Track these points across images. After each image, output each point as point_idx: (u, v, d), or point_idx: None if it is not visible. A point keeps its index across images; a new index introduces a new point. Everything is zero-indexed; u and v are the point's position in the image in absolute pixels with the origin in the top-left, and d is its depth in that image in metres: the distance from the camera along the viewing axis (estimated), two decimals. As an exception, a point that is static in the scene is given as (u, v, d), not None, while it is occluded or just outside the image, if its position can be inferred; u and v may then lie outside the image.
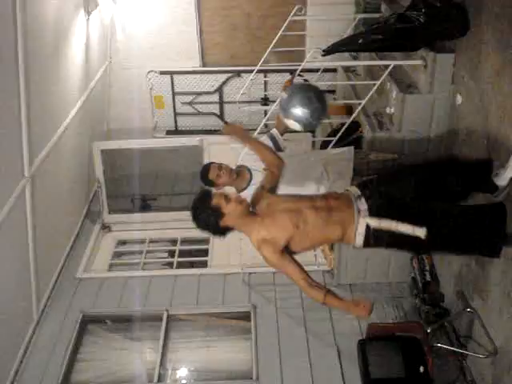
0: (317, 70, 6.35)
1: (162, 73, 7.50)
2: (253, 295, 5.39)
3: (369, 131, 4.89)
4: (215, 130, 7.61)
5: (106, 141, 6.96)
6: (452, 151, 4.67)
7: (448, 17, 4.25)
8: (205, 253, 6.27)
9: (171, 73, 7.51)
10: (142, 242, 6.57)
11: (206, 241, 6.41)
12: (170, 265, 6.27)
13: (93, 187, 6.79)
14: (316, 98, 3.82)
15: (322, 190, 4.27)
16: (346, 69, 6.28)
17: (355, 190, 3.47)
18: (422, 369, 3.93)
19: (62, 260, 5.84)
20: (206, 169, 4.33)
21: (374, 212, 3.34)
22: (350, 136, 5.05)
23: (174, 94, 7.64)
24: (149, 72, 7.47)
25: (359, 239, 3.36)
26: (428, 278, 4.94)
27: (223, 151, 5.63)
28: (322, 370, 4.64)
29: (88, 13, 6.26)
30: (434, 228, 3.30)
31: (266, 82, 7.22)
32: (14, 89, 4.52)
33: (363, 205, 3.37)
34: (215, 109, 7.75)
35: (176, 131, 7.82)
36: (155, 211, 6.93)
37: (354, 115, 4.93)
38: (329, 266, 5.48)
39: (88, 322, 5.29)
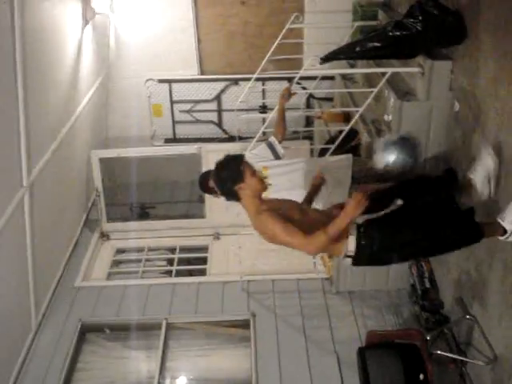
0: (315, 78, 6.37)
1: (161, 81, 7.52)
2: (252, 303, 5.38)
3: (367, 139, 4.90)
4: (213, 138, 7.63)
5: (105, 149, 6.96)
6: (450, 159, 4.68)
7: (445, 24, 4.26)
8: (203, 261, 6.27)
9: (169, 81, 7.53)
10: (141, 250, 6.56)
11: (204, 249, 6.41)
12: (169, 273, 6.26)
13: (91, 196, 6.79)
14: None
15: (320, 198, 4.27)
16: (344, 76, 6.29)
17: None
18: (421, 376, 3.92)
19: (60, 269, 5.83)
20: (205, 177, 4.32)
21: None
22: (348, 143, 5.06)
23: (172, 102, 7.65)
24: (147, 80, 7.49)
25: (350, 246, 3.37)
26: (427, 284, 4.94)
27: (222, 159, 5.64)
28: (322, 378, 4.63)
29: (86, 21, 6.27)
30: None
31: (264, 90, 7.24)
32: (13, 98, 4.53)
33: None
34: (213, 117, 7.77)
35: (174, 139, 7.83)
36: (154, 219, 6.94)
37: (351, 123, 4.94)
38: (328, 274, 5.48)
39: (87, 331, 5.28)
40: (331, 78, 6.87)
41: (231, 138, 7.47)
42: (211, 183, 4.26)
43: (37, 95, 4.96)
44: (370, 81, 5.46)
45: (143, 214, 7.03)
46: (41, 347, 5.03)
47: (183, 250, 6.57)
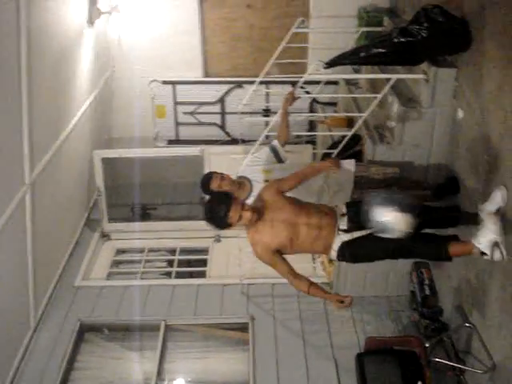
0: (318, 82, 6.37)
1: (165, 82, 7.52)
2: (251, 306, 5.38)
3: (370, 144, 4.90)
4: (216, 141, 7.63)
5: (107, 149, 6.96)
6: (453, 166, 4.68)
7: (450, 32, 4.27)
8: (203, 263, 6.26)
9: (173, 82, 7.53)
10: (141, 251, 6.56)
11: (204, 251, 6.41)
12: (169, 274, 6.25)
13: (93, 195, 6.79)
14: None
15: (322, 202, 4.28)
16: (348, 81, 6.29)
17: (342, 209, 3.75)
18: (419, 383, 3.92)
19: (60, 268, 5.83)
20: (208, 178, 4.31)
21: (349, 231, 3.65)
22: (351, 149, 5.06)
23: (175, 103, 7.65)
24: (151, 81, 7.49)
25: (333, 254, 3.72)
26: (427, 291, 4.94)
27: (224, 161, 5.65)
28: (320, 383, 4.62)
29: (91, 22, 6.29)
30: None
31: (267, 94, 7.24)
32: (17, 96, 4.53)
33: (344, 224, 3.67)
34: (217, 119, 7.76)
35: (177, 141, 7.83)
36: (155, 220, 6.93)
37: (355, 128, 4.94)
38: (328, 279, 5.47)
39: (85, 331, 5.28)
40: (335, 82, 6.86)
41: (234, 141, 7.46)
42: (212, 185, 4.27)
43: (41, 94, 4.97)
44: (374, 86, 5.46)
45: (144, 214, 7.02)
46: (39, 346, 5.03)
47: (183, 251, 6.56)
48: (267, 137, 5.09)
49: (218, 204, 3.47)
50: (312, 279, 4.98)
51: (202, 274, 6.10)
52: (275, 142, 4.58)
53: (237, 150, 6.14)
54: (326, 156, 5.17)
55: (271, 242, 3.58)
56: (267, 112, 7.37)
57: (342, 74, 5.96)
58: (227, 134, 7.78)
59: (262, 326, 5.16)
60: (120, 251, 6.63)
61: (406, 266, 5.12)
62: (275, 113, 5.42)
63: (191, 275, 6.22)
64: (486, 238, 3.51)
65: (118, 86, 7.47)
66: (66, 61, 5.72)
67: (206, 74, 7.53)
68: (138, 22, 7.13)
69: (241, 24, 7.25)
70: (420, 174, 4.86)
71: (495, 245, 3.47)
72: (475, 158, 4.25)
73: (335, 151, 4.97)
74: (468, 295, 4.43)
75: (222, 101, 7.61)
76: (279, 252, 3.64)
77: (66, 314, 5.34)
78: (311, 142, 6.97)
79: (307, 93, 6.82)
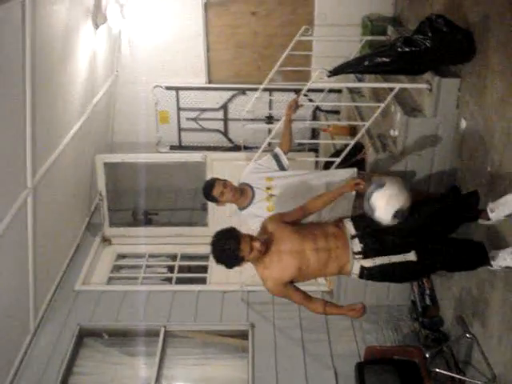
0: (322, 90, 6.37)
1: (168, 88, 7.54)
2: (251, 314, 5.37)
3: (372, 153, 4.90)
4: (219, 147, 7.64)
5: (110, 154, 6.97)
6: (455, 176, 4.68)
7: (454, 42, 4.27)
8: (204, 269, 6.25)
9: (177, 88, 7.54)
10: (142, 256, 6.55)
11: (205, 257, 6.39)
12: (169, 280, 6.24)
13: (95, 200, 6.79)
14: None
15: (324, 211, 4.26)
16: (351, 90, 6.30)
17: (350, 230, 3.65)
18: (419, 394, 3.91)
19: (60, 272, 5.83)
20: (210, 185, 4.30)
21: (368, 256, 3.57)
22: (353, 157, 5.06)
23: (178, 109, 7.67)
24: (155, 87, 7.50)
25: (354, 277, 3.67)
26: (428, 301, 4.92)
27: (226, 168, 5.66)
28: (319, 392, 4.62)
29: (96, 26, 6.30)
30: (424, 252, 3.59)
31: (270, 101, 7.25)
32: (20, 100, 4.54)
33: (357, 246, 3.59)
34: (219, 125, 7.78)
35: (180, 147, 7.84)
36: (156, 226, 6.93)
37: (358, 137, 4.94)
38: (329, 287, 5.47)
39: (85, 335, 5.27)
40: (338, 91, 6.88)
41: (237, 148, 7.47)
42: (215, 192, 4.26)
43: (44, 98, 4.98)
44: (377, 95, 5.47)
45: (146, 220, 7.02)
46: (38, 350, 5.02)
47: (184, 257, 6.56)
48: (270, 144, 5.09)
49: (226, 240, 3.35)
50: (313, 288, 5.01)
51: (202, 281, 6.08)
52: (278, 150, 4.57)
53: (239, 157, 6.15)
54: (328, 164, 5.17)
55: (281, 275, 3.48)
56: (270, 119, 7.38)
57: (345, 82, 5.98)
58: (230, 140, 7.78)
59: (262, 334, 5.15)
60: (121, 256, 6.62)
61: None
62: (278, 120, 5.42)
63: (192, 281, 6.21)
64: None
65: (121, 90, 7.48)
66: (71, 65, 5.73)
67: (210, 81, 7.54)
68: (142, 27, 7.15)
69: (245, 31, 7.27)
70: (422, 184, 4.85)
71: None
72: (478, 168, 4.24)
73: (337, 159, 4.97)
74: (469, 306, 4.42)
75: (225, 107, 7.63)
76: (291, 282, 3.56)
77: (65, 318, 5.33)
78: (314, 149, 6.98)
79: (310, 100, 6.83)
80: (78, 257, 6.17)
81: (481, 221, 3.74)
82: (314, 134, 7.36)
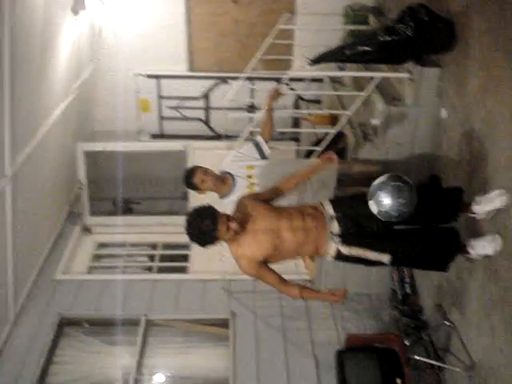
0: (303, 79, 6.36)
1: (149, 76, 7.48)
2: (232, 302, 5.38)
3: (353, 142, 4.91)
4: (200, 136, 7.60)
5: (90, 142, 6.91)
6: (435, 165, 4.70)
7: (435, 31, 4.29)
8: (185, 258, 6.24)
9: (158, 76, 7.49)
10: (123, 245, 6.53)
11: (186, 246, 6.39)
12: (150, 269, 6.23)
13: (75, 188, 6.74)
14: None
15: (305, 199, 4.27)
16: (333, 79, 6.30)
17: (329, 211, 3.58)
18: (399, 381, 3.94)
19: (40, 261, 5.78)
20: (191, 172, 4.28)
21: (345, 241, 3.52)
22: (334, 146, 5.06)
23: (160, 97, 7.62)
24: (135, 75, 7.44)
25: (329, 258, 3.63)
26: (408, 290, 4.96)
27: (208, 157, 5.63)
28: (300, 380, 4.64)
29: (76, 12, 6.23)
30: (397, 252, 3.56)
31: (252, 90, 7.23)
32: (-2, 86, 4.48)
33: (336, 228, 3.54)
34: (201, 114, 7.74)
35: (161, 135, 7.80)
36: (137, 215, 6.90)
37: (338, 126, 4.94)
38: (309, 275, 5.48)
39: (65, 325, 5.24)
40: (320, 80, 6.87)
41: (218, 136, 7.45)
42: (195, 179, 4.24)
43: (23, 85, 4.92)
44: (359, 84, 5.47)
45: (127, 209, 6.98)
46: (18, 339, 4.99)
47: (165, 246, 6.55)
48: (251, 133, 5.08)
49: (203, 219, 3.27)
50: (293, 276, 5.01)
51: (183, 270, 6.08)
52: (259, 138, 4.57)
53: (221, 146, 6.14)
54: (310, 153, 5.17)
55: (255, 253, 3.40)
56: (252, 108, 7.35)
57: (326, 71, 5.97)
58: (211, 129, 7.75)
59: (243, 322, 5.16)
60: (101, 245, 6.60)
61: (388, 264, 5.14)
62: (260, 109, 5.42)
63: (173, 270, 6.19)
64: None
65: (102, 78, 7.41)
66: (50, 52, 5.66)
67: (191, 69, 7.50)
68: (123, 14, 7.08)
69: (226, 19, 7.23)
70: (402, 173, 4.86)
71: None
72: (458, 157, 4.27)
73: (319, 148, 4.97)
74: (448, 294, 4.46)
75: (206, 96, 7.59)
76: (265, 263, 3.48)
77: (45, 307, 5.30)
78: (295, 138, 6.98)
79: (292, 89, 6.82)
80: (58, 246, 6.12)
81: (466, 214, 3.75)
82: (296, 122, 7.36)
